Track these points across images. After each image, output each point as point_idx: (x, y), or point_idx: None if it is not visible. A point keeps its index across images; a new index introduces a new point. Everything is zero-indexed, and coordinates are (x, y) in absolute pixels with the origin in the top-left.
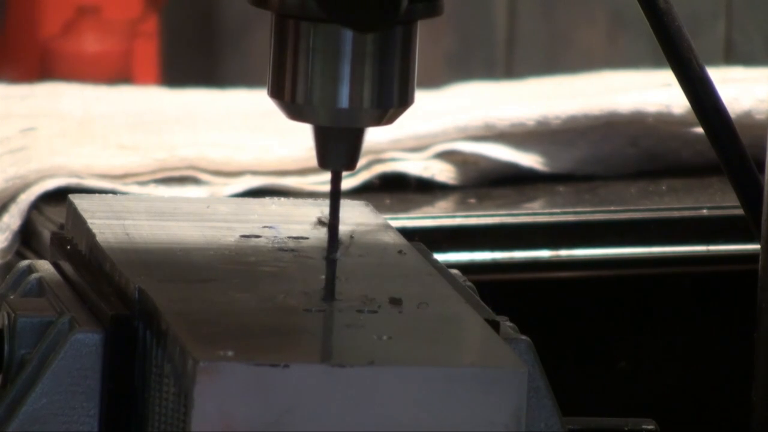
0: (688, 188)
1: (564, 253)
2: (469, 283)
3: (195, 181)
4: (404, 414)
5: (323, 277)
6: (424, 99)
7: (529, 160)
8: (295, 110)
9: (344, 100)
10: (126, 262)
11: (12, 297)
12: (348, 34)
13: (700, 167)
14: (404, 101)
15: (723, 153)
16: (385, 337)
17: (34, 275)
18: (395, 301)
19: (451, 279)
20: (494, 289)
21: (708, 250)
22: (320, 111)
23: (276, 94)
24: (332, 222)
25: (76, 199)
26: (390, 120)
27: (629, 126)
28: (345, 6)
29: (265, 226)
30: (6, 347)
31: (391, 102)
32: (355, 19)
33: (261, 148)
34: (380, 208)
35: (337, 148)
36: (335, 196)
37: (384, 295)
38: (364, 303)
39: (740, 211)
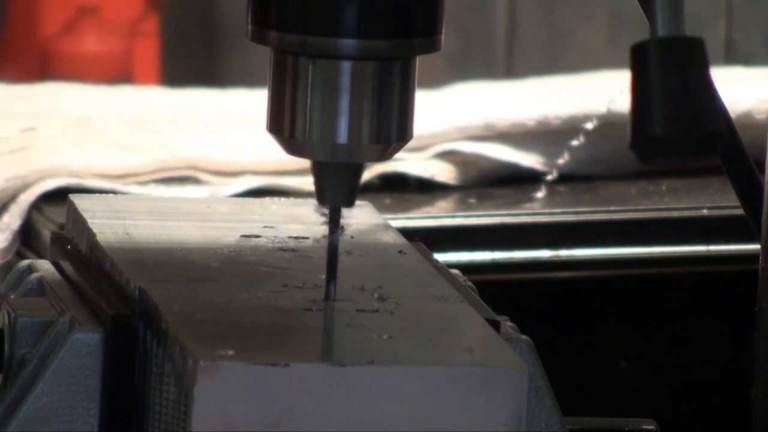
0: (688, 188)
1: (564, 253)
2: (469, 283)
3: (195, 181)
4: (404, 414)
5: (323, 276)
6: (424, 99)
7: (529, 160)
8: (293, 146)
9: (343, 136)
10: (126, 262)
11: (12, 297)
12: (346, 70)
13: (700, 167)
14: (403, 136)
15: (723, 153)
16: (385, 337)
17: (35, 275)
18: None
19: (451, 279)
20: (494, 289)
21: (708, 250)
22: (319, 147)
23: (275, 129)
24: (331, 255)
25: (77, 199)
26: (389, 155)
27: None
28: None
29: (265, 226)
30: (6, 347)
31: (390, 138)
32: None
33: (261, 148)
34: (380, 208)
35: (336, 184)
36: (334, 231)
37: (384, 295)
38: (364, 302)
39: (740, 211)
